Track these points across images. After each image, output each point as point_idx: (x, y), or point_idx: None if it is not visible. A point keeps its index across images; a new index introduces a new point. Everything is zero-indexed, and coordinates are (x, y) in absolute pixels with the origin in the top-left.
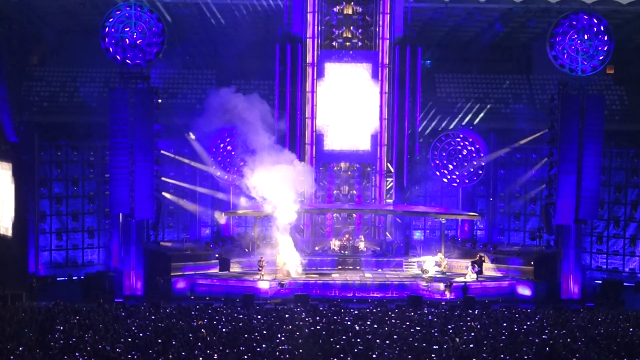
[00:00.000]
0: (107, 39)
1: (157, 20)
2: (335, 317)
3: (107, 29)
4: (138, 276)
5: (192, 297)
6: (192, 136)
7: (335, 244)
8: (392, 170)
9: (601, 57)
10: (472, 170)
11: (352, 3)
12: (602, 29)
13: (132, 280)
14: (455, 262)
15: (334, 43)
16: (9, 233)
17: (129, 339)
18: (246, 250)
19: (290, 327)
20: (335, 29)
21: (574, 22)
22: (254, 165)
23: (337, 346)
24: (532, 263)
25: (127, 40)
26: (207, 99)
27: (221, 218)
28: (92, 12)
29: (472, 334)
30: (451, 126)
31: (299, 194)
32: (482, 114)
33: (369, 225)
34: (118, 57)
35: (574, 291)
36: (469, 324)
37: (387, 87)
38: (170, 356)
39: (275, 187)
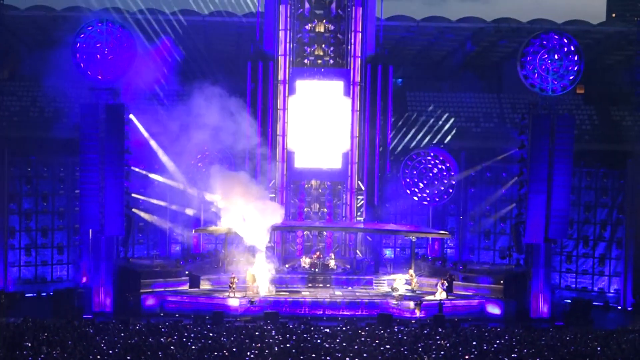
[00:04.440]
0: (78, 54)
1: (129, 36)
2: (305, 335)
3: (78, 44)
4: (107, 293)
5: (162, 314)
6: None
7: (305, 261)
8: (363, 188)
9: (571, 77)
10: (442, 188)
11: (324, 21)
12: (572, 48)
13: (101, 296)
14: (425, 280)
15: (305, 60)
16: None
17: (98, 356)
18: (216, 267)
19: (260, 344)
20: (307, 47)
21: (545, 42)
22: (224, 183)
23: None
24: (501, 282)
25: (99, 56)
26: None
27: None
28: (64, 27)
29: (442, 352)
30: (422, 144)
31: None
32: (452, 133)
33: (339, 243)
34: (89, 72)
35: (543, 310)
36: (438, 342)
37: (358, 105)
38: None
39: (245, 205)
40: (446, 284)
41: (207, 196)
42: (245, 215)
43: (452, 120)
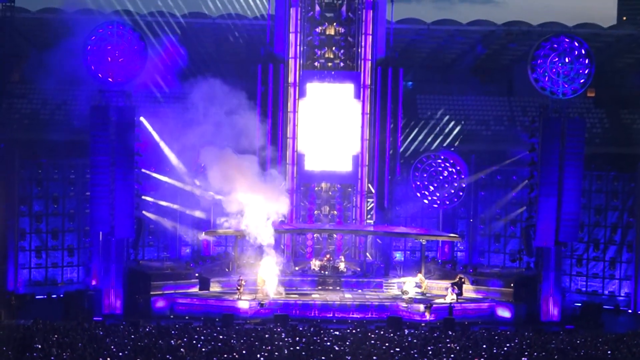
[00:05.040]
0: (89, 57)
1: (139, 38)
2: (315, 338)
3: (89, 47)
4: (117, 295)
5: (172, 317)
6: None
7: (315, 264)
8: (373, 190)
9: (582, 80)
10: (452, 191)
11: (335, 24)
12: (583, 52)
13: (111, 298)
14: (435, 283)
15: (316, 63)
16: None
17: (108, 358)
18: (226, 269)
19: (269, 347)
20: (317, 50)
21: (555, 45)
22: (234, 185)
23: None
24: (511, 285)
25: (109, 59)
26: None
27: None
28: (74, 30)
29: (452, 355)
30: (432, 147)
31: (279, 214)
32: (463, 136)
33: (349, 246)
34: (100, 75)
35: (553, 313)
36: (448, 345)
37: (368, 108)
38: None
39: (254, 207)
40: (456, 288)
41: (217, 197)
42: (248, 200)
43: (462, 123)
